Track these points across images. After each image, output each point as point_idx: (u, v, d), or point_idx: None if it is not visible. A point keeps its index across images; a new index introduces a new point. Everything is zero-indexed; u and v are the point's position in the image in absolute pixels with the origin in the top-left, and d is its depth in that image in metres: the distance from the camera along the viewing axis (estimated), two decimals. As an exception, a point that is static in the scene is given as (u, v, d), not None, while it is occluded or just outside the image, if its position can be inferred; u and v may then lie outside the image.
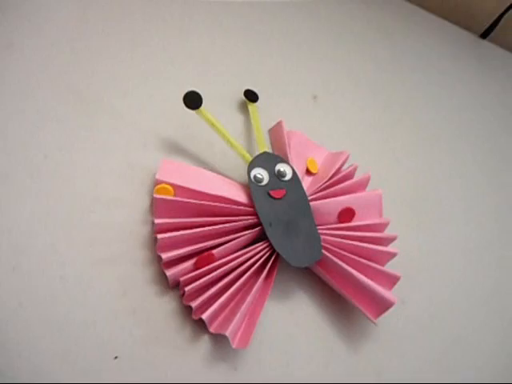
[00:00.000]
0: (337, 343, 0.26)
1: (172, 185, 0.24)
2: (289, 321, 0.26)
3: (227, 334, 0.22)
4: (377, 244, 0.27)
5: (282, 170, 0.26)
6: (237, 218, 0.24)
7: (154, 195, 0.24)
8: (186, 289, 0.22)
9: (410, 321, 0.28)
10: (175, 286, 0.24)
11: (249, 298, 0.23)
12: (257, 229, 0.25)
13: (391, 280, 0.26)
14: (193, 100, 0.25)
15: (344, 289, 0.25)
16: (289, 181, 0.26)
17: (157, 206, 0.24)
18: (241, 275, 0.23)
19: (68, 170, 0.24)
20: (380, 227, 0.28)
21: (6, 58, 0.26)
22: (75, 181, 0.24)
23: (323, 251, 0.25)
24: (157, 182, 0.24)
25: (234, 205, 0.24)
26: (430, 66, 0.39)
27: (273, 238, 0.24)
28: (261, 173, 0.26)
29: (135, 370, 0.22)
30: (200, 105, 0.25)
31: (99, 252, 0.23)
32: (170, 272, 0.23)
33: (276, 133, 0.29)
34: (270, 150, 0.28)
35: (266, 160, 0.26)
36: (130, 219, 0.24)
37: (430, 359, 0.27)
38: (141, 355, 0.22)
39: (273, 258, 0.24)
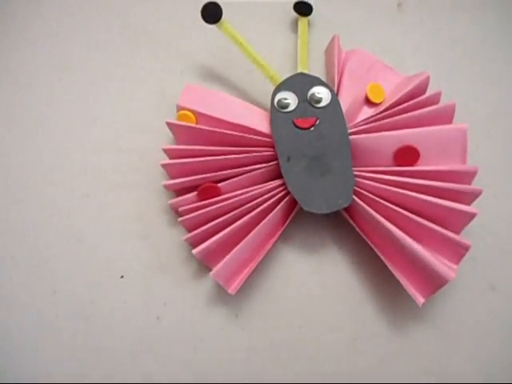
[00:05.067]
0: (372, 315, 0.21)
1: (194, 112, 0.22)
2: (309, 277, 0.21)
3: (212, 273, 0.20)
4: (452, 200, 0.20)
5: (316, 93, 0.21)
6: (251, 149, 0.21)
7: (166, 120, 0.22)
8: (180, 219, 0.21)
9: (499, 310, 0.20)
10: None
11: (248, 239, 0.20)
12: (272, 163, 0.21)
13: (457, 250, 0.19)
14: (211, 12, 0.22)
15: (384, 253, 0.20)
16: (324, 107, 0.21)
17: (174, 133, 0.23)
18: (246, 213, 0.20)
19: (106, 97, 0.25)
20: (460, 177, 0.20)
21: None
22: (111, 107, 0.25)
23: (355, 198, 0.20)
24: (178, 109, 0.23)
25: (253, 134, 0.21)
26: None
27: (287, 175, 0.20)
28: (287, 97, 0.21)
29: (137, 292, 0.22)
30: (219, 18, 0.22)
31: (123, 176, 0.24)
32: (172, 201, 0.22)
33: (330, 52, 0.24)
34: (311, 72, 0.23)
35: (299, 82, 0.22)
36: (155, 147, 0.24)
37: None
38: (145, 279, 0.22)
39: (287, 198, 0.20)
